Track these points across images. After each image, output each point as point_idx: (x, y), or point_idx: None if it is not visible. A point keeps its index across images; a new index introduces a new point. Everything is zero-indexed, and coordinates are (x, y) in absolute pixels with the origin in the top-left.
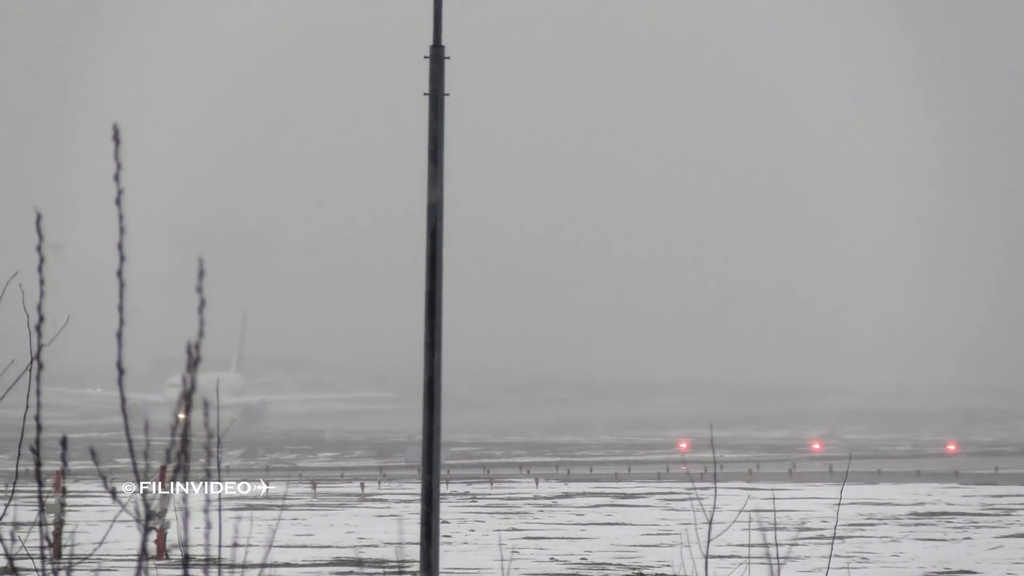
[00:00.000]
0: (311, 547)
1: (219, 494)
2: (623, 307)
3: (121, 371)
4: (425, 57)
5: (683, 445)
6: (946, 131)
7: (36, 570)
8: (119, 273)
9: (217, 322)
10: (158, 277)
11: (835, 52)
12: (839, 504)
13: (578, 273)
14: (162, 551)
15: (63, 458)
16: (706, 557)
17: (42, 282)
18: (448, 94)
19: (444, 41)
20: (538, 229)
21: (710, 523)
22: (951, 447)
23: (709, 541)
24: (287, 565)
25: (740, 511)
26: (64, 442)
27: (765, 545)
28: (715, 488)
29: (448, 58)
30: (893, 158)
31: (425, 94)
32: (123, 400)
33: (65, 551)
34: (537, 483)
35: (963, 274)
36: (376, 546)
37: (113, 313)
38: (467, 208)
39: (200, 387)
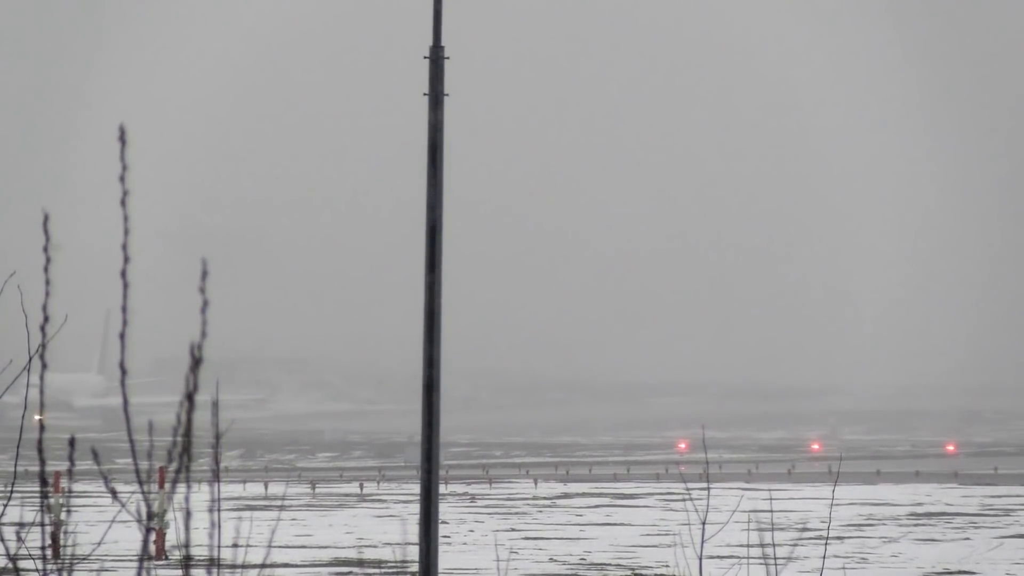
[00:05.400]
0: (310, 547)
1: (218, 495)
2: (622, 307)
3: (124, 371)
4: (425, 57)
5: (682, 446)
6: (947, 131)
7: (36, 570)
8: (123, 274)
9: (217, 322)
10: (157, 278)
11: (834, 54)
12: (832, 504)
13: (577, 273)
14: (161, 551)
15: (70, 458)
16: (700, 558)
17: (47, 282)
18: (448, 94)
19: (444, 41)
20: (537, 229)
21: (703, 524)
22: (950, 448)
23: (703, 542)
24: (286, 565)
25: (734, 511)
26: (72, 442)
27: (763, 545)
28: (708, 489)
29: (448, 58)
30: (892, 160)
31: (425, 94)
32: (125, 402)
33: (65, 551)
34: (536, 483)
35: (963, 275)
36: (375, 546)
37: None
38: (466, 208)
39: (59, 389)
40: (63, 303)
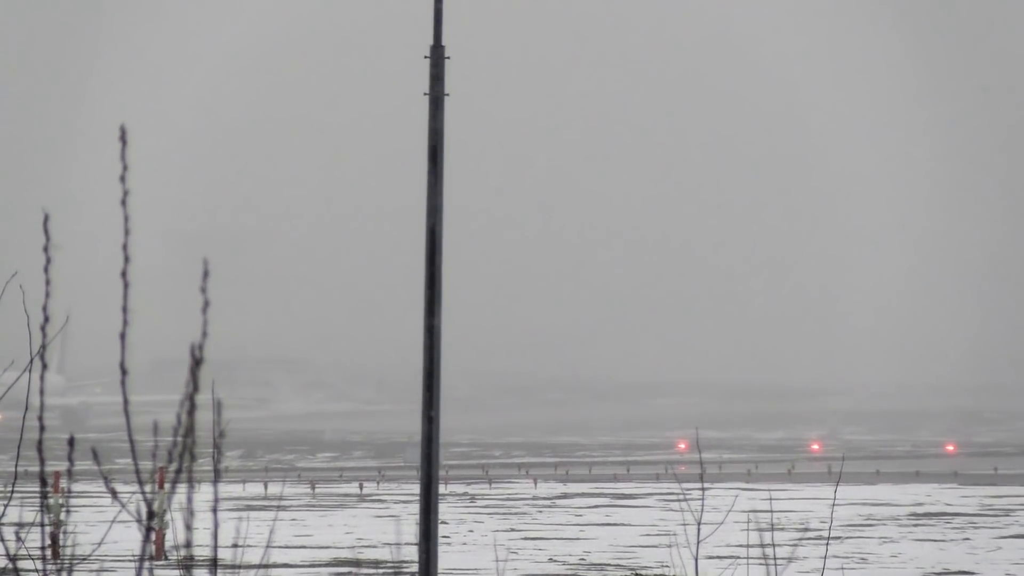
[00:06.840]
0: (310, 547)
1: (216, 494)
2: (623, 308)
3: (124, 372)
4: (425, 57)
5: (682, 446)
6: (947, 131)
7: (36, 570)
8: (123, 274)
9: (217, 322)
10: (158, 278)
11: (834, 56)
12: (834, 505)
13: (578, 273)
14: (160, 552)
15: (70, 458)
16: (696, 558)
17: (48, 282)
18: (448, 94)
19: (444, 41)
20: (538, 229)
21: (699, 524)
22: (950, 448)
23: (699, 542)
24: (286, 565)
25: (728, 511)
26: (71, 442)
27: (763, 545)
28: (702, 489)
29: (448, 58)
30: (892, 160)
31: (425, 94)
32: (125, 402)
33: (65, 551)
34: (536, 484)
35: (963, 274)
36: (375, 547)
37: (112, 313)
38: (467, 208)
39: (18, 388)
40: (40, 302)
